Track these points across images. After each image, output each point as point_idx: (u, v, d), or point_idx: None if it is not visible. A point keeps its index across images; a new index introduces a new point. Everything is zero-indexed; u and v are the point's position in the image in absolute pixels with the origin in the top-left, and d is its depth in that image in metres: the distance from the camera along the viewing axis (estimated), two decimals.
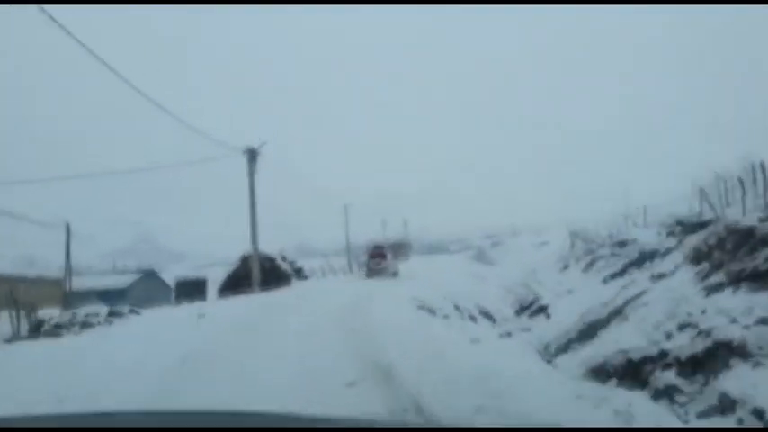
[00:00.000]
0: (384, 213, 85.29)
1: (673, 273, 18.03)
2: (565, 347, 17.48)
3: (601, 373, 14.84)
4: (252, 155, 29.71)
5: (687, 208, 30.24)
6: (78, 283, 43.90)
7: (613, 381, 14.63)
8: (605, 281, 20.91)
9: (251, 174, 29.66)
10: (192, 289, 37.82)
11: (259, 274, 30.41)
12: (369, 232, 71.40)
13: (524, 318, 22.57)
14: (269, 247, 38.98)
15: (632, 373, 14.05)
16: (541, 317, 21.28)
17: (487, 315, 21.37)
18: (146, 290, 45.68)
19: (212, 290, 40.99)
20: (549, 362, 16.82)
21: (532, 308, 22.60)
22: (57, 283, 38.77)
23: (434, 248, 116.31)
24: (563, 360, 16.75)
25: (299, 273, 36.26)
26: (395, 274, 33.30)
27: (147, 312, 17.99)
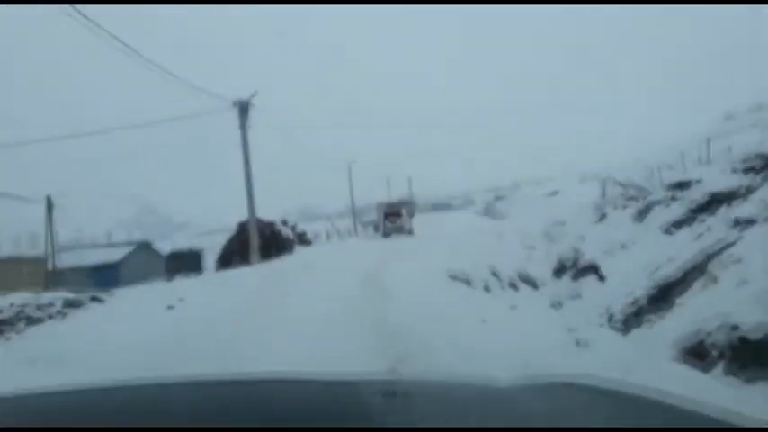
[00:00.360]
0: (386, 173, 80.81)
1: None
2: (636, 319, 13.76)
3: (699, 354, 11.19)
4: (243, 107, 25.71)
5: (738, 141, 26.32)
6: (67, 260, 40.23)
7: (719, 366, 11.01)
8: (668, 231, 17.07)
9: (243, 127, 25.67)
10: (186, 262, 33.91)
11: (258, 242, 26.70)
12: (372, 193, 67.75)
13: (566, 280, 18.82)
14: (271, 212, 35.23)
15: (751, 356, 10.42)
16: (591, 279, 17.53)
17: (527, 280, 17.66)
18: (140, 263, 41.98)
19: (211, 260, 37.34)
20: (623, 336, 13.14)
21: (576, 268, 18.86)
22: (39, 261, 34.89)
23: (438, 206, 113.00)
24: (639, 335, 13.06)
25: (302, 238, 32.47)
26: (410, 231, 33.65)
27: (115, 298, 14.20)
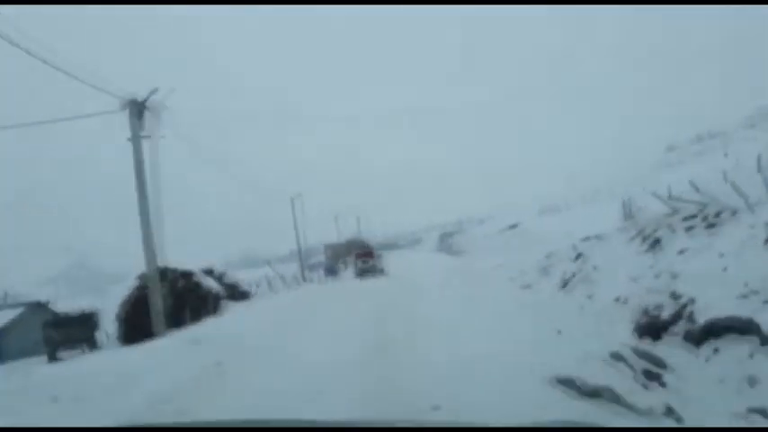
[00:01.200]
0: (328, 214, 71.90)
1: None
2: None
3: None
4: (136, 109, 16.86)
5: None
6: None
7: None
8: None
9: (135, 137, 16.77)
10: (75, 330, 23.41)
11: (165, 302, 17.53)
12: (315, 234, 59.23)
13: (681, 347, 10.68)
14: (205, 260, 25.85)
15: None
16: (745, 347, 9.48)
17: (647, 356, 9.25)
18: (32, 330, 31.24)
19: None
20: None
21: (692, 324, 10.77)
22: None
23: (386, 246, 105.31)
24: None
25: (235, 291, 23.22)
26: (382, 271, 32.43)
27: None
